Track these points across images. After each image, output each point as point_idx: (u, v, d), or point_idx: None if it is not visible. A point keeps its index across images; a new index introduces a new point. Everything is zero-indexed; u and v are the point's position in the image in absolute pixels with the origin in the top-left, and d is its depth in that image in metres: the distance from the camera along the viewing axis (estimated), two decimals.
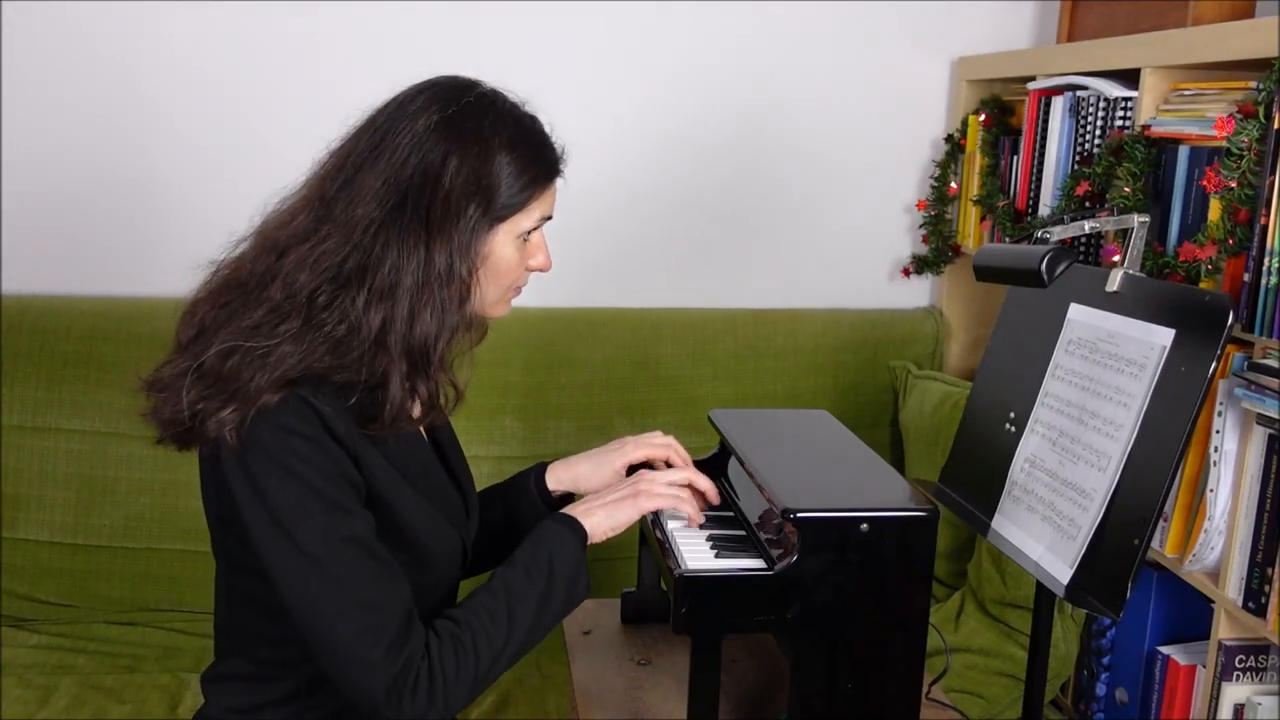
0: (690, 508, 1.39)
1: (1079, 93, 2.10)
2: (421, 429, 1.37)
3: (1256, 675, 1.68)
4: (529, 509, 1.50)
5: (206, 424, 1.15)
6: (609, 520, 1.34)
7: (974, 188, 2.50)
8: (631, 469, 1.51)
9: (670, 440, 1.51)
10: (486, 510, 1.51)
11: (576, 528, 1.32)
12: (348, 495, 1.18)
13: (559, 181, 1.32)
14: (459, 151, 1.20)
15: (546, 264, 1.33)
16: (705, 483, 1.44)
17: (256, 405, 1.14)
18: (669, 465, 1.51)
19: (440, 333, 1.21)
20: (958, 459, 1.59)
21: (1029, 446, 1.44)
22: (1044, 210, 2.20)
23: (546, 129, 1.31)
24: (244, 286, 1.22)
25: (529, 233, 1.29)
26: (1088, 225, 1.45)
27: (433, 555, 1.30)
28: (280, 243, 1.22)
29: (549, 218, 1.31)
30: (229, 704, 1.31)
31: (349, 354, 1.18)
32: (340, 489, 1.18)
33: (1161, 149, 1.82)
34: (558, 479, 1.51)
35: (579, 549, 1.30)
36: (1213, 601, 1.68)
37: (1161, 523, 1.73)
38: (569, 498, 1.53)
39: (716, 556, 1.33)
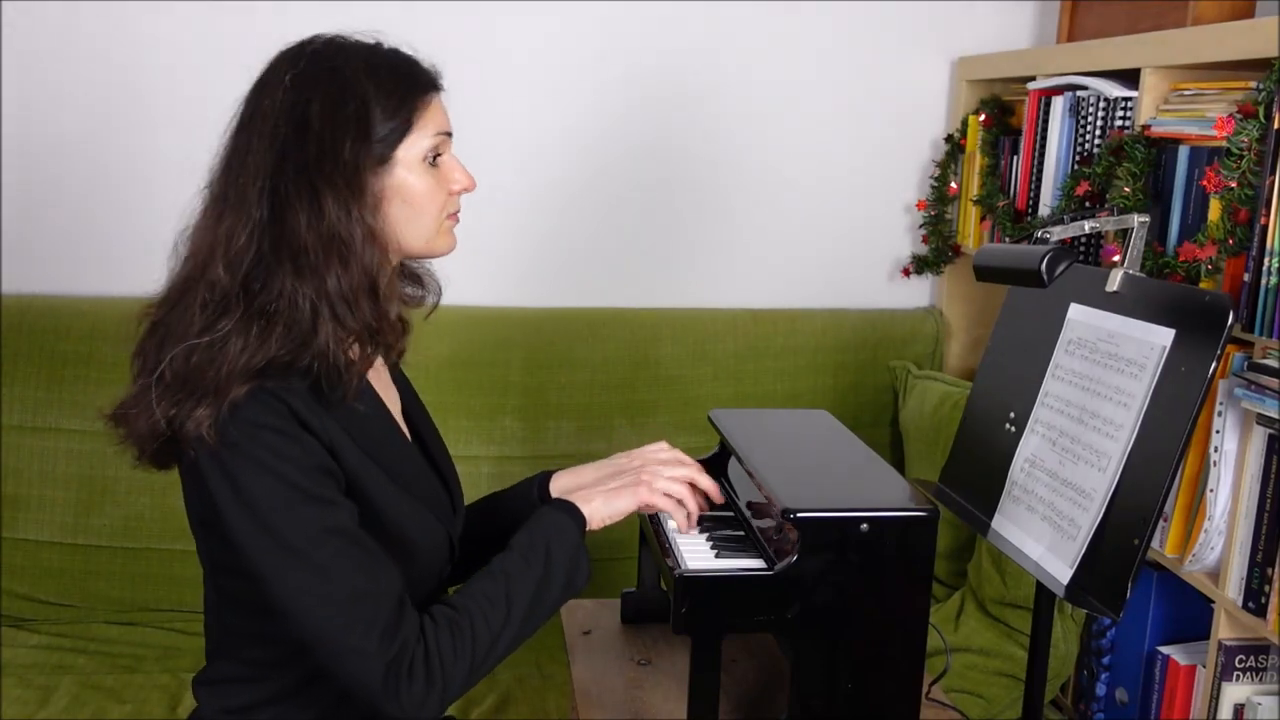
0: (682, 517, 1.38)
1: (1079, 93, 2.10)
2: (400, 423, 1.36)
3: (1256, 675, 1.68)
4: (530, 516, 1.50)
5: (185, 427, 1.14)
6: (607, 508, 1.34)
7: (974, 188, 2.50)
8: None
9: (676, 454, 1.49)
10: (488, 516, 1.51)
11: (575, 513, 1.31)
12: (327, 486, 1.18)
13: (443, 97, 1.29)
14: (319, 94, 1.20)
15: (469, 181, 1.30)
16: (708, 482, 1.43)
17: (229, 397, 1.14)
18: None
19: (355, 277, 1.19)
20: (958, 459, 1.59)
21: (1029, 446, 1.44)
22: (1044, 210, 2.20)
23: (407, 50, 1.29)
24: (171, 301, 1.22)
25: (434, 157, 1.26)
26: (1088, 225, 1.45)
27: (416, 548, 1.29)
28: (192, 249, 1.22)
29: (448, 134, 1.28)
30: (222, 705, 1.31)
31: (298, 330, 1.17)
32: (318, 481, 1.17)
33: (1161, 149, 1.82)
34: (562, 488, 1.49)
35: (577, 535, 1.30)
36: (1213, 601, 1.68)
37: (1161, 523, 1.73)
38: None
39: (716, 556, 1.32)
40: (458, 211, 1.32)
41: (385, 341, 1.27)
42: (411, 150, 1.24)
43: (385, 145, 1.22)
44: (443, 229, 1.30)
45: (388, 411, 1.34)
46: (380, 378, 1.37)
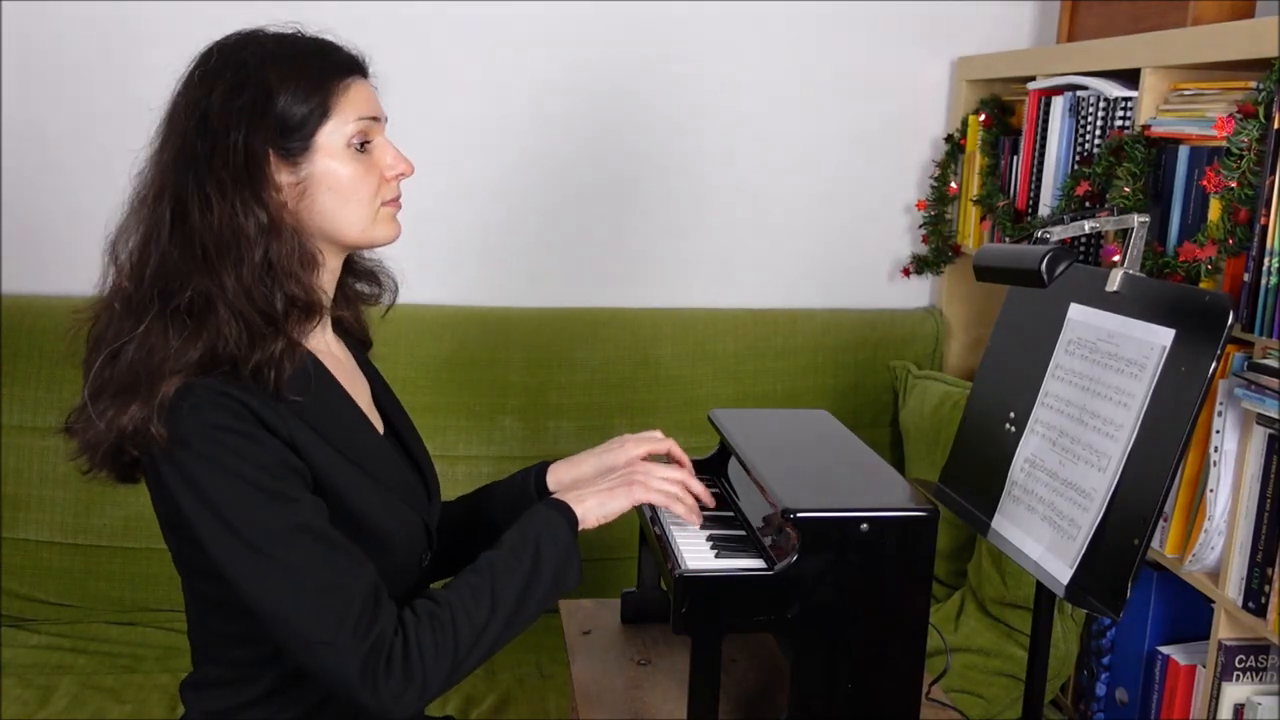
0: (683, 508, 1.38)
1: (1079, 93, 2.10)
2: (368, 413, 1.35)
3: (1256, 675, 1.69)
4: (528, 508, 1.50)
5: (122, 425, 1.14)
6: (601, 508, 1.32)
7: (974, 188, 2.50)
8: None
9: (670, 442, 1.51)
10: (485, 507, 1.51)
11: (567, 512, 1.30)
12: (291, 484, 1.17)
13: (367, 82, 1.26)
14: (220, 86, 1.18)
15: (405, 166, 1.27)
16: (699, 487, 1.42)
17: (160, 393, 1.13)
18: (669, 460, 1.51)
19: (253, 269, 1.17)
20: (958, 459, 1.59)
21: (1029, 446, 1.44)
22: (1044, 210, 2.20)
23: (327, 36, 1.27)
24: (96, 313, 1.23)
25: (362, 143, 1.24)
26: (1088, 225, 1.45)
27: (390, 538, 1.28)
28: (113, 254, 1.23)
29: (374, 118, 1.25)
30: (208, 709, 1.31)
31: (213, 327, 1.16)
32: (281, 479, 1.16)
33: (1161, 149, 1.82)
34: (559, 480, 1.50)
35: (569, 533, 1.28)
36: (1213, 601, 1.68)
37: (1161, 523, 1.73)
38: None
39: (716, 556, 1.32)
40: (398, 198, 1.29)
41: (298, 322, 1.23)
42: (333, 137, 1.22)
43: (300, 134, 1.20)
44: (380, 216, 1.27)
45: (352, 402, 1.32)
46: (346, 368, 1.36)
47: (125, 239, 1.21)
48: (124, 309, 1.18)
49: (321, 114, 1.21)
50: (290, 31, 1.25)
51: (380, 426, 1.38)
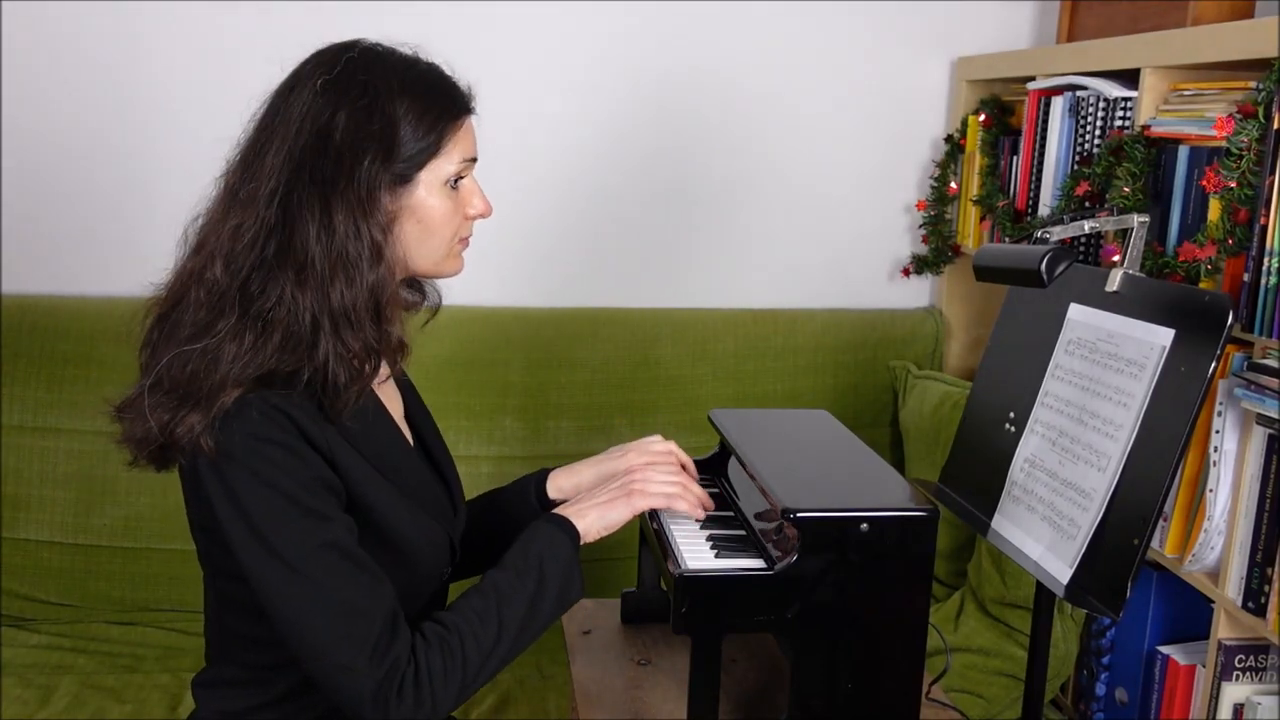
0: (685, 504, 1.38)
1: (1079, 93, 2.10)
2: (401, 426, 1.36)
3: (1256, 675, 1.69)
4: (529, 517, 1.49)
5: (177, 433, 1.14)
6: (601, 520, 1.32)
7: (974, 188, 2.50)
8: None
9: (670, 446, 1.50)
10: (486, 515, 1.51)
11: (569, 528, 1.30)
12: (325, 501, 1.18)
13: (473, 120, 1.28)
14: (346, 107, 1.18)
15: (486, 208, 1.29)
16: (699, 490, 1.42)
17: (219, 405, 1.13)
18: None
19: (359, 294, 1.18)
20: (958, 459, 1.59)
21: (1029, 446, 1.44)
22: (1044, 210, 2.20)
23: (446, 70, 1.28)
24: (175, 295, 1.22)
25: (456, 180, 1.26)
26: (1088, 225, 1.45)
27: (417, 552, 1.28)
28: (199, 241, 1.21)
29: (473, 160, 1.28)
30: (220, 708, 1.31)
31: (297, 341, 1.16)
32: (317, 495, 1.17)
33: (1161, 149, 1.82)
34: (558, 487, 1.50)
35: (571, 550, 1.28)
36: (1212, 601, 1.68)
37: (1161, 523, 1.73)
38: None
39: (716, 556, 1.32)
40: (469, 236, 1.31)
41: (388, 361, 1.27)
42: (436, 173, 1.23)
43: (409, 166, 1.21)
44: (452, 252, 1.30)
45: (390, 418, 1.33)
46: (383, 382, 1.37)
47: (216, 227, 1.19)
48: (208, 297, 1.17)
49: (432, 151, 1.23)
50: (412, 56, 1.26)
51: (410, 439, 1.38)
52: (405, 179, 1.21)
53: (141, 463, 1.23)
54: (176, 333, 1.18)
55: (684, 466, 1.49)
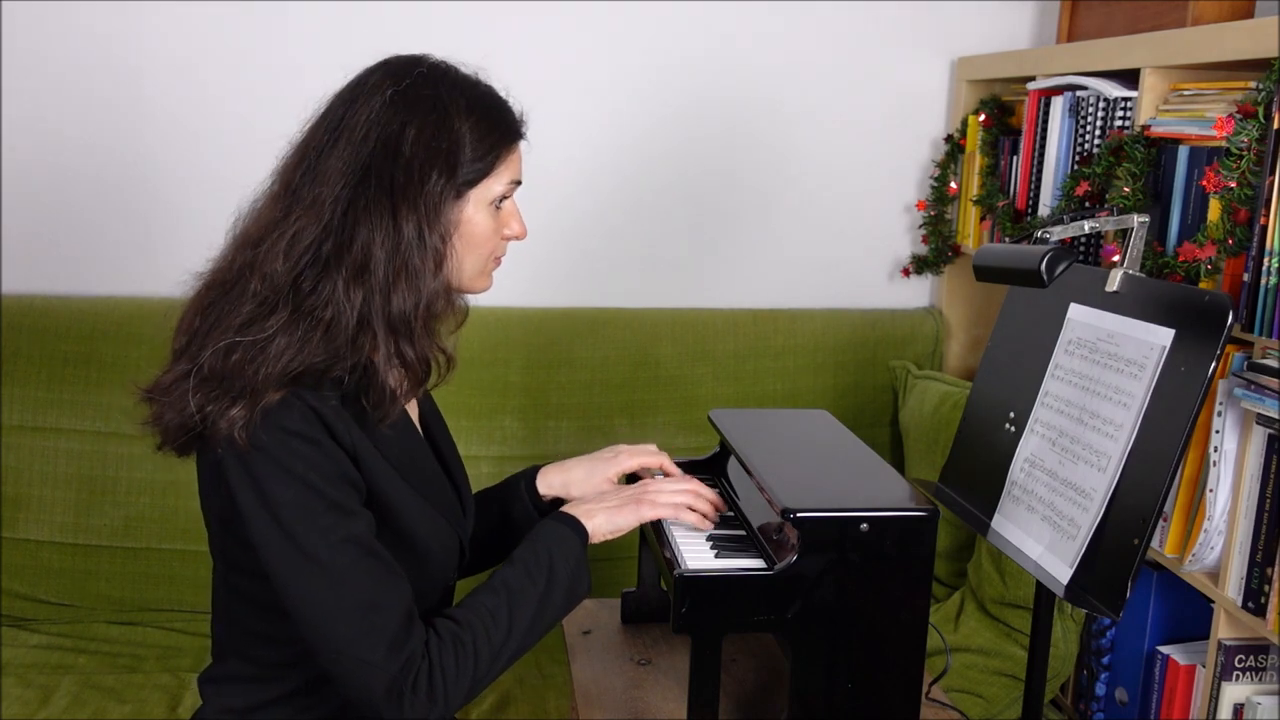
0: (694, 516, 1.40)
1: (1079, 93, 2.10)
2: (418, 425, 1.37)
3: (1256, 675, 1.69)
4: (520, 512, 1.51)
5: (217, 424, 1.15)
6: (609, 524, 1.35)
7: (974, 188, 2.50)
8: (629, 479, 1.52)
9: (663, 457, 1.54)
10: (481, 512, 1.52)
11: (578, 527, 1.32)
12: (348, 496, 1.19)
13: (523, 145, 1.31)
14: (416, 120, 1.20)
15: (522, 231, 1.32)
16: (709, 493, 1.44)
17: (262, 402, 1.14)
18: (663, 473, 1.53)
19: (419, 302, 1.21)
20: (957, 459, 1.59)
21: (1029, 446, 1.44)
22: (1044, 210, 2.20)
23: (502, 93, 1.31)
24: (225, 286, 1.22)
25: (500, 200, 1.28)
26: (1087, 225, 1.45)
27: (430, 553, 1.30)
28: (253, 236, 1.22)
29: (518, 183, 1.31)
30: (227, 704, 1.31)
31: (338, 339, 1.18)
32: (341, 490, 1.18)
33: (1161, 149, 1.82)
34: (549, 483, 1.52)
35: (580, 548, 1.30)
36: (1212, 601, 1.68)
37: (1161, 523, 1.73)
38: (559, 503, 1.53)
39: (716, 556, 1.33)
40: (503, 256, 1.34)
41: (437, 374, 1.29)
42: (485, 192, 1.26)
43: (465, 184, 1.24)
44: (485, 270, 1.32)
45: (410, 420, 1.35)
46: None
47: (276, 224, 1.21)
48: (263, 290, 1.18)
49: (486, 171, 1.25)
50: (474, 77, 1.29)
51: (423, 437, 1.39)
52: (459, 195, 1.24)
53: (168, 448, 1.23)
54: (225, 321, 1.19)
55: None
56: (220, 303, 1.21)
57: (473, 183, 1.24)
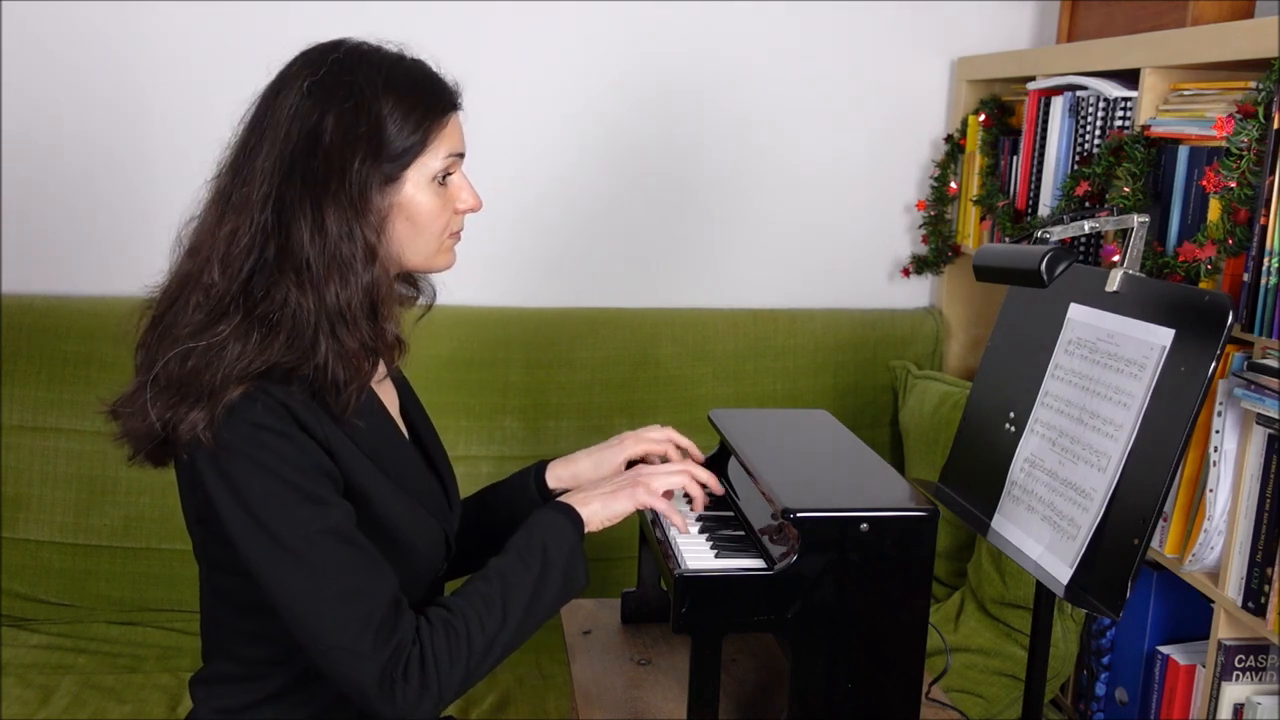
0: (678, 519, 1.38)
1: (1079, 93, 2.10)
2: (398, 422, 1.36)
3: (1256, 675, 1.69)
4: (529, 508, 1.50)
5: (179, 430, 1.14)
6: (605, 510, 1.33)
7: (974, 188, 2.50)
8: (631, 464, 1.51)
9: (668, 433, 1.51)
10: (487, 508, 1.51)
11: (573, 515, 1.30)
12: (324, 487, 1.18)
13: (459, 116, 1.29)
14: (334, 109, 1.18)
15: (476, 202, 1.30)
16: (705, 474, 1.42)
17: (223, 401, 1.14)
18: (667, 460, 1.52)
19: (354, 295, 1.19)
20: (957, 459, 1.59)
21: (1029, 446, 1.44)
22: (1044, 210, 2.20)
23: (432, 65, 1.28)
24: (170, 297, 1.22)
25: (444, 176, 1.26)
26: (1087, 225, 1.45)
27: (413, 546, 1.29)
28: (193, 245, 1.22)
29: (460, 155, 1.28)
30: (218, 705, 1.31)
31: (301, 340, 1.17)
32: (315, 481, 1.17)
33: (1161, 149, 1.82)
34: (557, 477, 1.51)
35: (575, 537, 1.29)
36: (1212, 601, 1.68)
37: (1161, 522, 1.73)
38: None
39: (716, 556, 1.32)
40: (460, 230, 1.32)
41: (385, 359, 1.27)
42: (423, 170, 1.24)
43: (396, 164, 1.21)
44: (443, 247, 1.30)
45: (386, 412, 1.34)
46: (381, 379, 1.37)
47: (211, 231, 1.20)
48: (205, 300, 1.18)
49: (419, 148, 1.23)
50: (397, 53, 1.26)
51: (405, 433, 1.38)
52: (393, 178, 1.22)
53: (140, 459, 1.23)
54: (172, 333, 1.19)
55: (686, 451, 1.50)
56: (167, 315, 1.21)
57: (405, 163, 1.22)
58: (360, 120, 1.19)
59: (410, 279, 1.40)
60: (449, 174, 1.27)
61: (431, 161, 1.24)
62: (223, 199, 1.21)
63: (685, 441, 1.51)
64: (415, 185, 1.23)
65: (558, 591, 1.26)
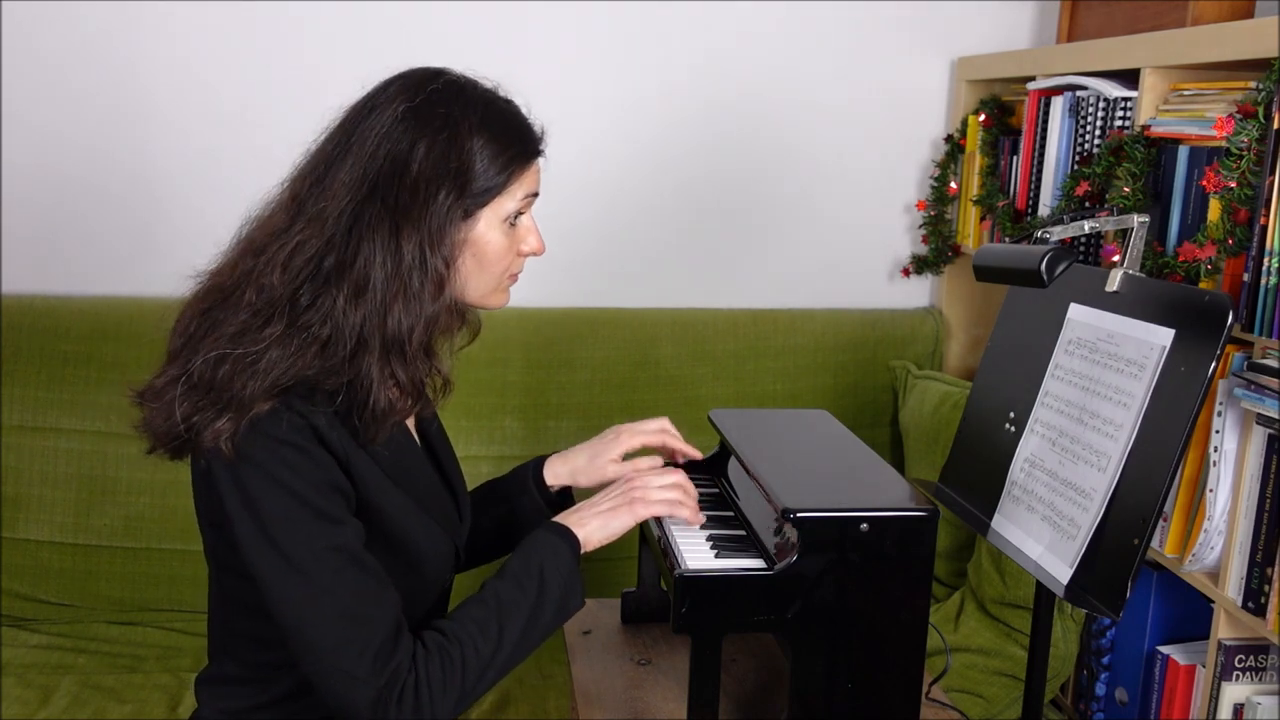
0: (687, 511, 1.38)
1: (1079, 93, 2.10)
2: (413, 432, 1.36)
3: (1256, 675, 1.69)
4: (528, 504, 1.51)
5: (202, 435, 1.14)
6: (603, 530, 1.33)
7: (974, 188, 2.50)
8: (627, 458, 1.51)
9: (663, 424, 1.52)
10: (486, 506, 1.51)
11: (570, 537, 1.30)
12: (337, 505, 1.18)
13: (540, 161, 1.30)
14: (427, 138, 1.19)
15: (539, 247, 1.31)
16: (693, 490, 1.42)
17: (251, 413, 1.14)
18: (663, 451, 1.53)
19: (415, 324, 1.19)
20: (957, 459, 1.59)
21: (1029, 446, 1.44)
22: (1044, 210, 2.20)
23: (523, 109, 1.29)
24: (224, 291, 1.21)
25: (515, 216, 1.27)
26: (1088, 225, 1.45)
27: (424, 559, 1.29)
28: (257, 243, 1.21)
29: (535, 195, 1.29)
30: (222, 706, 1.31)
31: (335, 356, 1.17)
32: (329, 499, 1.17)
33: (1161, 149, 1.82)
34: (555, 473, 1.52)
35: (572, 560, 1.28)
36: (1212, 601, 1.68)
37: (1161, 522, 1.73)
38: (567, 492, 1.53)
39: (716, 556, 1.32)
40: (519, 273, 1.32)
41: (433, 398, 1.28)
42: (498, 210, 1.25)
43: (476, 201, 1.22)
44: (501, 286, 1.31)
45: (405, 426, 1.34)
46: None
47: (279, 234, 1.20)
48: (258, 301, 1.17)
49: (499, 189, 1.24)
50: (492, 92, 1.27)
51: (418, 441, 1.39)
52: (470, 214, 1.23)
53: (159, 451, 1.23)
54: (219, 329, 1.18)
55: (675, 456, 1.52)
56: (217, 310, 1.20)
57: (484, 202, 1.23)
58: (451, 154, 1.19)
59: (459, 309, 1.40)
60: (520, 214, 1.28)
61: (508, 203, 1.25)
62: (296, 205, 1.21)
63: (678, 438, 1.52)
64: (488, 224, 1.24)
65: (553, 615, 1.26)
